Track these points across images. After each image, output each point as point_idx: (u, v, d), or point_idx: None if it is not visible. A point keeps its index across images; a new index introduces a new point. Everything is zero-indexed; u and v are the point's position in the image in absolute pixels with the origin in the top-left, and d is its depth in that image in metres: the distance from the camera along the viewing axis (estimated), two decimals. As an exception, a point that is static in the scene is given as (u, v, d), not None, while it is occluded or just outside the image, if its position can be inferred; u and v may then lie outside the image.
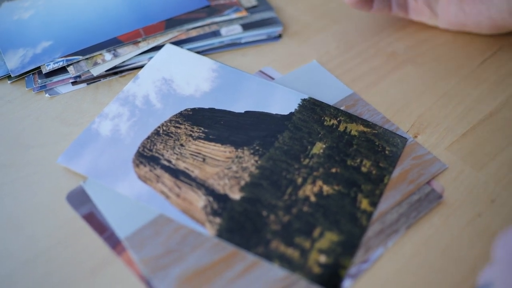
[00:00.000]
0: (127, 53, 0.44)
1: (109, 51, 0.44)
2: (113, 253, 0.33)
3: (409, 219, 0.35)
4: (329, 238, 0.34)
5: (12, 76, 0.43)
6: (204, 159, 0.38)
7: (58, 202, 0.36)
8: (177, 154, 0.38)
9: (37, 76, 0.43)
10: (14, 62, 0.43)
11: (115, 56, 0.44)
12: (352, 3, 0.45)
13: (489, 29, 0.46)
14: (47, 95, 0.43)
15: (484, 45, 0.48)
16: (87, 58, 0.44)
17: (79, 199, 0.36)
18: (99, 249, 0.34)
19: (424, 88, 0.44)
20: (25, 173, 0.37)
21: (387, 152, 0.39)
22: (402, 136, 0.40)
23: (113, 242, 0.34)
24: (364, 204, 0.36)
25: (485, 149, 0.40)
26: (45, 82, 0.43)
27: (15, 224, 0.35)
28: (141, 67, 0.45)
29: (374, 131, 0.40)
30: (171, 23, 0.46)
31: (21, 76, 0.43)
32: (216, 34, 0.47)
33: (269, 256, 0.33)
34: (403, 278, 0.33)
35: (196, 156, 0.38)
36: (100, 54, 0.44)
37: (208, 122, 0.40)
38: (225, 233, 0.34)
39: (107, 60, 0.44)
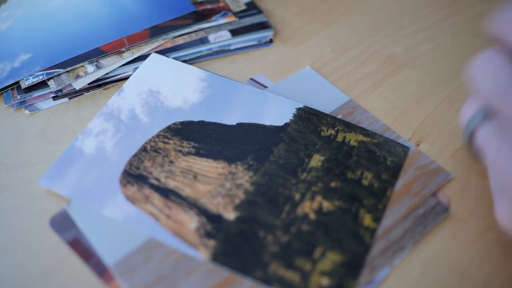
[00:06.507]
0: (110, 64, 0.42)
1: (91, 62, 0.42)
2: (100, 281, 0.31)
3: (415, 234, 0.33)
4: (331, 259, 0.32)
5: (-12, 92, 0.40)
6: (195, 176, 0.36)
7: (41, 227, 0.33)
8: (166, 172, 0.36)
9: (16, 92, 0.41)
10: (-10, 77, 0.41)
11: (98, 67, 0.42)
12: None
13: None
14: (27, 111, 0.40)
15: (484, 47, 0.46)
16: (68, 71, 0.41)
17: (63, 223, 0.34)
18: (86, 278, 0.31)
19: (424, 92, 0.42)
20: (5, 197, 0.35)
21: (388, 162, 0.37)
22: (403, 145, 0.38)
23: (101, 269, 0.32)
24: (367, 220, 0.34)
25: (491, 155, 0.38)
26: (25, 98, 0.40)
27: (-5, 253, 0.32)
28: (125, 78, 0.42)
29: (374, 141, 0.38)
30: (156, 31, 0.44)
31: (-1, 92, 0.41)
32: (203, 41, 0.44)
33: (268, 280, 0.31)
34: (411, 299, 0.31)
35: (187, 173, 0.36)
36: (82, 66, 0.42)
37: (198, 136, 0.38)
38: (220, 257, 0.32)
39: (90, 72, 0.41)
